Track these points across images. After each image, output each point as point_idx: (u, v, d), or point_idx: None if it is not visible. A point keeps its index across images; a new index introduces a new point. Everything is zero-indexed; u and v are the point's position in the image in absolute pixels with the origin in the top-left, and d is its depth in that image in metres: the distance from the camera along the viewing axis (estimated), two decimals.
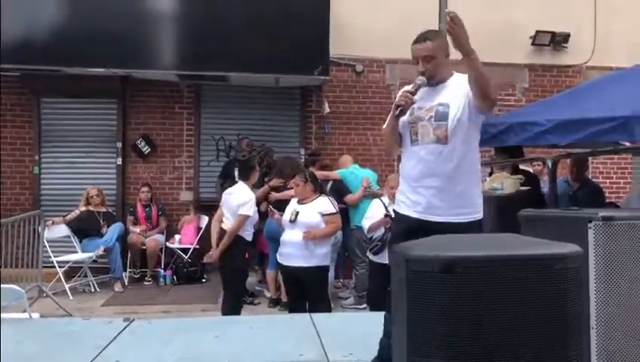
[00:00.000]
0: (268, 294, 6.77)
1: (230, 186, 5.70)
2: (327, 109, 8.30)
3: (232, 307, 5.36)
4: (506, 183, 5.13)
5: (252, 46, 7.32)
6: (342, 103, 8.51)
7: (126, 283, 7.50)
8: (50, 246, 7.07)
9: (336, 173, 6.92)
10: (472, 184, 2.93)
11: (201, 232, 7.86)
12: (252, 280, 7.12)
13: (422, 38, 2.96)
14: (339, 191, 6.56)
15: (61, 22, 7.23)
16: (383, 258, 5.23)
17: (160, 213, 7.99)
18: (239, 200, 5.29)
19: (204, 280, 7.68)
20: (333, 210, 5.12)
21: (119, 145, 8.07)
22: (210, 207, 7.59)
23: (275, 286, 6.54)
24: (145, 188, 7.90)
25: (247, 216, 5.26)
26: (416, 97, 2.91)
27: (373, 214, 5.49)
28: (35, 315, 4.22)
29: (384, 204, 5.45)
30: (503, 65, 8.64)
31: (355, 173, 6.85)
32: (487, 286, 1.59)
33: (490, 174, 6.27)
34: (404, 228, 2.93)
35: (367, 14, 8.24)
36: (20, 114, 7.97)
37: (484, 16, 8.08)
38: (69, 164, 8.01)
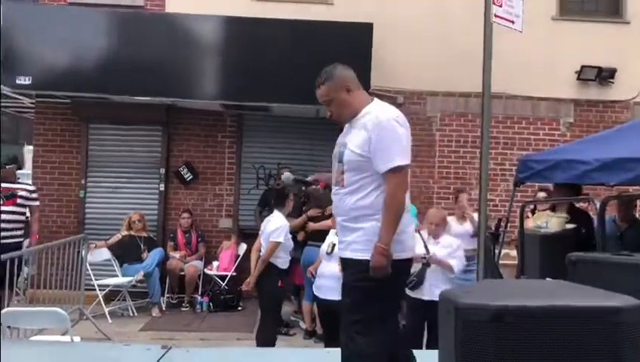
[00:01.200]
0: (303, 325, 6.72)
1: (268, 214, 5.75)
2: None
3: (265, 337, 5.35)
4: (550, 222, 5.01)
5: (294, 77, 7.40)
6: None
7: (163, 308, 7.56)
8: (91, 270, 7.21)
9: None
10: (372, 223, 2.81)
11: (238, 260, 7.90)
12: (287, 310, 7.09)
13: (317, 83, 2.99)
14: None
15: (110, 52, 7.48)
16: (420, 293, 5.17)
17: (199, 239, 8.07)
18: (272, 227, 5.33)
19: (240, 308, 7.68)
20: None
21: (162, 171, 8.24)
22: (249, 235, 7.64)
23: (310, 317, 6.49)
24: (186, 215, 8.01)
25: (278, 243, 5.29)
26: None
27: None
28: (77, 339, 4.27)
29: (423, 239, 5.37)
30: (548, 99, 8.55)
31: None
32: (538, 338, 1.54)
33: (533, 212, 6.15)
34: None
35: (409, 46, 8.27)
36: (69, 139, 8.23)
37: (530, 50, 8.03)
38: (113, 189, 8.21)
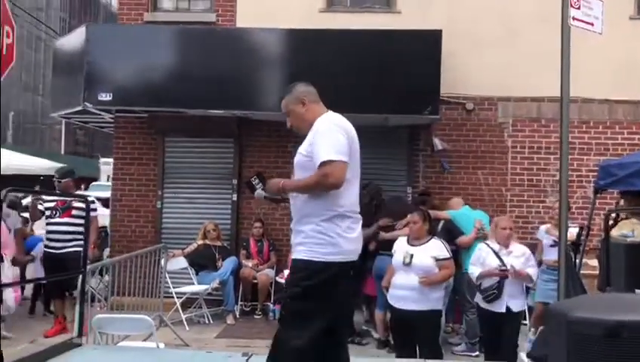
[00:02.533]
0: (376, 335, 6.70)
1: None
2: (442, 146, 8.21)
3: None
4: (637, 230, 4.80)
5: (362, 86, 7.45)
6: (451, 142, 8.39)
7: (237, 316, 7.73)
8: (169, 278, 7.47)
9: (446, 213, 6.81)
10: (311, 226, 3.00)
11: None
12: (359, 319, 7.10)
13: (281, 96, 3.28)
14: (450, 232, 6.43)
15: (184, 67, 7.75)
16: (496, 306, 5.06)
17: (271, 248, 8.21)
18: None
19: None
20: (448, 255, 5.02)
21: (235, 182, 8.45)
22: None
23: (383, 327, 6.47)
24: (258, 224, 8.17)
25: None
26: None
27: (478, 259, 5.32)
28: (161, 345, 4.44)
29: (493, 250, 5.25)
30: (626, 102, 8.21)
31: (466, 215, 6.69)
32: None
33: (615, 221, 5.90)
34: None
35: (479, 51, 8.15)
36: (146, 152, 8.57)
37: (606, 52, 7.74)
38: (189, 200, 8.47)
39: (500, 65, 8.11)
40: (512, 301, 5.05)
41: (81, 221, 6.50)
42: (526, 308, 5.40)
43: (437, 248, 5.02)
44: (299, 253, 3.04)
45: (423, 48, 7.57)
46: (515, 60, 8.11)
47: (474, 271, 5.25)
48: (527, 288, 5.44)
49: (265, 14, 8.14)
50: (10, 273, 5.00)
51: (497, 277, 5.04)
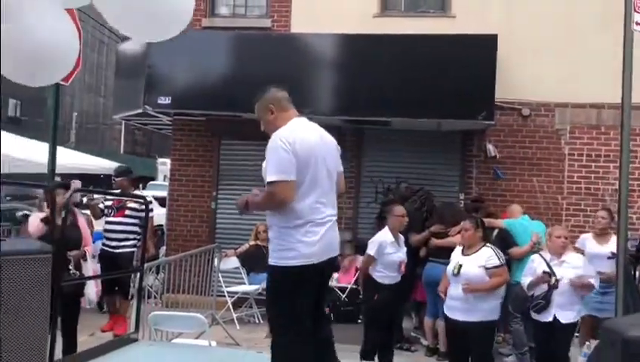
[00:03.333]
0: (425, 342, 6.66)
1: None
2: (494, 153, 8.08)
3: (363, 350, 5.40)
4: None
5: (415, 91, 7.43)
6: (506, 148, 8.25)
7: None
8: (222, 277, 7.64)
9: (500, 222, 6.68)
10: (276, 233, 3.19)
11: (358, 272, 7.99)
12: (408, 325, 7.07)
13: (254, 100, 3.40)
14: (503, 241, 6.31)
15: (240, 72, 7.91)
16: (543, 316, 4.97)
17: None
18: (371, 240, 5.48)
19: (359, 321, 7.75)
20: (498, 263, 4.93)
21: None
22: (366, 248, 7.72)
23: (432, 334, 6.42)
24: None
25: (369, 256, 5.35)
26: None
27: (530, 270, 5.22)
28: (213, 343, 4.57)
29: (545, 260, 5.15)
30: None
31: (523, 225, 6.53)
32: None
33: None
34: None
35: (535, 56, 7.97)
36: (203, 154, 8.80)
37: None
38: None
39: (558, 70, 7.91)
40: (562, 312, 4.93)
41: (135, 220, 6.72)
42: (579, 319, 5.23)
43: (486, 256, 4.93)
44: (273, 259, 3.24)
45: (477, 53, 7.48)
46: (574, 65, 7.90)
47: (525, 281, 5.16)
48: None
49: (319, 19, 8.23)
50: (91, 268, 5.31)
51: (546, 287, 4.93)
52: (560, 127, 8.16)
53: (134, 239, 6.77)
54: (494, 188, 8.21)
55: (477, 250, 5.00)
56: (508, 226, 6.45)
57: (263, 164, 3.23)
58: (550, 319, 4.92)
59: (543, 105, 8.18)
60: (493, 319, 4.92)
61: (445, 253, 6.29)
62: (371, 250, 5.45)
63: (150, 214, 6.87)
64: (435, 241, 6.39)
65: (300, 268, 3.14)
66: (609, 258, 5.66)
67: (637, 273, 5.57)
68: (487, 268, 4.85)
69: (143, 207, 6.78)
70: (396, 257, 5.49)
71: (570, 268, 4.98)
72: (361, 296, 6.10)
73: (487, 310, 4.84)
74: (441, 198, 7.86)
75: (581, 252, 6.13)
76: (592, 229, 6.40)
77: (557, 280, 4.88)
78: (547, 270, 4.98)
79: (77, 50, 3.43)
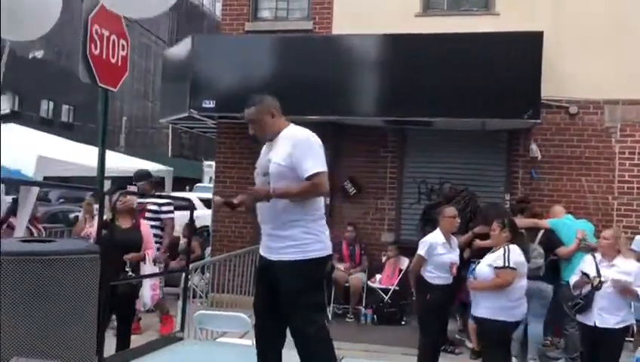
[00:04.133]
0: (469, 344, 6.57)
1: (431, 229, 5.76)
2: (536, 153, 7.90)
3: (419, 355, 5.37)
4: None
5: (460, 89, 7.33)
6: (553, 147, 8.05)
7: (329, 318, 7.84)
8: None
9: (546, 222, 6.54)
10: (299, 228, 3.32)
11: (401, 274, 7.96)
12: (452, 327, 6.99)
13: (248, 104, 3.49)
14: (550, 241, 6.18)
15: (282, 74, 7.96)
16: (586, 319, 4.91)
17: (363, 252, 8.28)
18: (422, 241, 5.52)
19: (403, 322, 7.73)
20: (501, 264, 4.86)
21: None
22: (410, 249, 7.65)
23: (476, 337, 6.32)
24: (350, 228, 8.26)
25: (420, 256, 5.39)
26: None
27: (580, 270, 5.14)
28: None
29: (595, 261, 5.03)
30: None
31: (567, 224, 6.38)
32: None
33: None
34: (260, 265, 3.56)
35: (584, 52, 7.76)
36: (247, 156, 8.59)
37: None
38: None
39: (607, 66, 7.67)
40: (607, 316, 4.83)
41: (154, 222, 6.67)
42: (633, 324, 5.06)
43: (496, 256, 4.97)
44: (291, 254, 3.33)
45: (522, 50, 7.33)
46: (623, 61, 7.65)
47: (572, 280, 5.15)
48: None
49: (361, 20, 8.23)
50: (150, 271, 5.33)
51: (589, 287, 4.85)
52: (610, 124, 7.91)
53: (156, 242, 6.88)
54: (541, 188, 8.03)
55: (496, 250, 5.00)
56: (553, 226, 6.31)
57: (281, 162, 3.33)
58: (592, 322, 4.88)
59: (591, 103, 7.95)
60: (498, 319, 4.82)
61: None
62: (422, 250, 5.45)
63: (168, 216, 6.90)
64: (478, 242, 6.30)
65: (326, 258, 3.41)
66: None
67: None
68: (495, 268, 4.89)
69: (163, 208, 6.86)
70: (447, 258, 5.47)
71: (619, 272, 4.86)
72: (412, 298, 6.06)
73: (491, 308, 4.85)
74: (487, 199, 7.74)
75: (638, 254, 5.97)
76: None
77: (601, 282, 4.79)
78: (587, 272, 4.92)
79: (59, 3, 3.59)
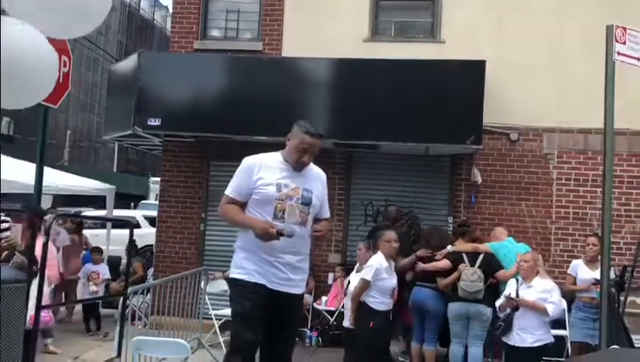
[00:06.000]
0: None
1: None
2: (478, 178, 8.13)
3: None
4: None
5: (405, 115, 7.49)
6: (494, 172, 8.30)
7: None
8: (209, 300, 7.60)
9: (486, 246, 6.70)
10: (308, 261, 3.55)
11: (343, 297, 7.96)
12: (395, 349, 7.03)
13: (319, 135, 3.50)
14: (490, 265, 6.33)
15: (231, 94, 7.97)
16: (510, 339, 5.22)
17: (310, 273, 8.24)
18: (367, 265, 5.57)
19: None
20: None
21: None
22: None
23: (419, 359, 6.39)
24: None
25: (366, 281, 5.38)
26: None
27: (506, 293, 5.43)
28: None
29: (517, 282, 5.45)
30: None
31: (508, 247, 6.57)
32: None
33: None
34: (257, 297, 3.32)
35: (524, 81, 8.08)
36: (192, 175, 8.81)
37: None
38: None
39: (546, 95, 8.02)
40: (524, 334, 5.16)
41: None
42: (542, 344, 5.28)
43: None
44: (303, 287, 3.53)
45: (466, 78, 7.57)
46: (562, 91, 8.01)
47: (497, 303, 5.47)
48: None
49: (310, 43, 8.31)
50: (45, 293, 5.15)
51: (509, 310, 5.18)
52: (548, 151, 8.23)
53: None
54: (483, 212, 8.25)
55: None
56: (494, 249, 6.48)
57: (319, 197, 3.51)
58: (513, 342, 5.19)
59: (531, 130, 8.26)
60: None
61: (431, 277, 6.34)
62: (367, 274, 5.41)
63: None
64: (421, 265, 6.39)
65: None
66: (593, 284, 5.69)
67: (621, 298, 5.57)
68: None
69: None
70: (390, 283, 5.51)
71: (535, 292, 5.20)
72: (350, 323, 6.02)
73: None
74: (431, 222, 7.89)
75: (573, 278, 6.23)
76: (584, 255, 6.42)
77: (515, 301, 5.17)
78: (512, 294, 5.23)
79: (56, 69, 3.43)
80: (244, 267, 3.39)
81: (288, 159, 3.51)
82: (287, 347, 3.45)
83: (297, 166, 3.46)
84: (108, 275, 8.49)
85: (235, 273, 3.45)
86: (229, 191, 3.50)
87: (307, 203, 3.39)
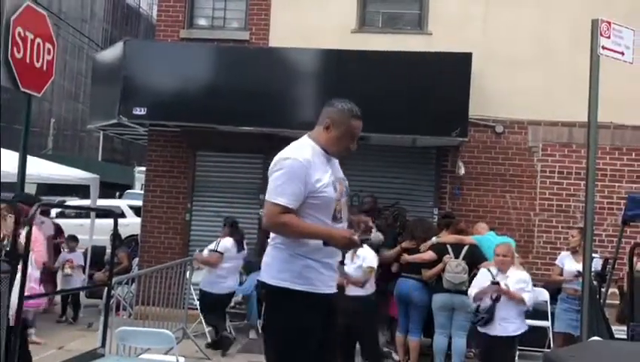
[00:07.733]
0: (396, 357, 6.68)
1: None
2: (462, 171, 8.17)
3: None
4: None
5: (391, 106, 7.48)
6: (479, 164, 8.35)
7: (260, 331, 7.78)
8: (194, 290, 7.58)
9: (471, 238, 6.75)
10: None
11: None
12: (381, 340, 7.08)
13: (360, 115, 3.08)
14: (474, 257, 6.38)
15: (217, 84, 7.90)
16: (491, 329, 5.26)
17: None
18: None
19: None
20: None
21: (262, 197, 8.48)
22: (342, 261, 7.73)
23: (403, 350, 6.45)
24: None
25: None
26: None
27: (479, 283, 5.49)
28: (181, 359, 4.52)
29: (491, 273, 5.43)
30: None
31: (490, 240, 6.61)
32: None
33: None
34: (325, 309, 2.94)
35: (510, 74, 8.10)
36: (178, 165, 8.75)
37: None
38: (217, 213, 8.58)
39: (531, 88, 8.05)
40: (506, 324, 5.23)
41: None
42: (520, 332, 5.37)
43: None
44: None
45: (452, 70, 7.58)
46: (547, 84, 8.05)
47: (471, 292, 5.47)
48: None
49: (297, 34, 8.27)
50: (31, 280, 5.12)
51: (490, 301, 5.22)
52: (533, 144, 8.30)
53: None
54: (468, 203, 8.30)
55: None
56: (478, 241, 6.54)
57: (343, 178, 3.14)
58: (496, 332, 5.23)
59: (516, 123, 8.31)
60: None
61: (416, 268, 6.38)
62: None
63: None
64: (405, 257, 6.43)
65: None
66: (576, 276, 5.77)
67: (603, 292, 5.66)
68: None
69: None
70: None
71: (512, 282, 5.27)
72: None
73: None
74: (416, 213, 7.92)
75: (560, 269, 6.33)
76: (566, 247, 6.52)
77: (499, 295, 5.22)
78: (495, 281, 5.31)
79: None
80: (307, 277, 2.91)
81: (331, 149, 3.05)
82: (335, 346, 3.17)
83: (339, 155, 3.07)
84: (82, 263, 8.45)
85: (297, 284, 2.90)
86: (284, 200, 2.87)
87: (348, 194, 3.10)
